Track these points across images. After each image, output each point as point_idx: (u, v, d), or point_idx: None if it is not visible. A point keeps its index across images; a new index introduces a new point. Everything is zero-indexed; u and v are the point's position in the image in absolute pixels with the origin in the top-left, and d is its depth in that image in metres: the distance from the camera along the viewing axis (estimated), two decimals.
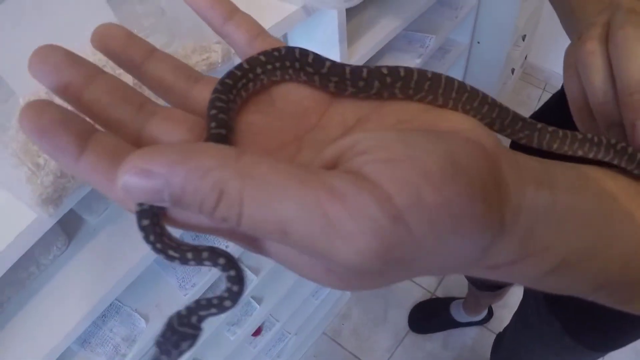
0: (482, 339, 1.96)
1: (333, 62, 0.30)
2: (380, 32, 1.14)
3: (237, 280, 0.28)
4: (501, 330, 1.47)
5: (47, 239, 0.75)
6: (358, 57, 1.07)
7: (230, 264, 0.27)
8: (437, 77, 0.29)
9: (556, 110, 0.74)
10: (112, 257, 0.80)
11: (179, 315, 0.28)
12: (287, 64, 0.30)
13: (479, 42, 2.03)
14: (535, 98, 2.95)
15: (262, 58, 0.30)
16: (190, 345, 0.29)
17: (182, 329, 0.28)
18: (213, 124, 0.27)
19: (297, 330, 1.71)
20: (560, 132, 0.33)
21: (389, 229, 0.21)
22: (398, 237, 0.21)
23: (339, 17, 0.90)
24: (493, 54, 2.05)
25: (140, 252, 0.79)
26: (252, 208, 0.21)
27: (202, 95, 0.30)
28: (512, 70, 2.58)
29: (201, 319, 0.29)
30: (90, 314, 0.76)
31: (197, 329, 0.29)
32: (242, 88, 0.30)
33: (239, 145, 0.29)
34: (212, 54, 0.68)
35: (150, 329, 0.97)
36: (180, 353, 0.28)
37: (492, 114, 0.31)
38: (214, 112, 0.27)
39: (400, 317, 2.02)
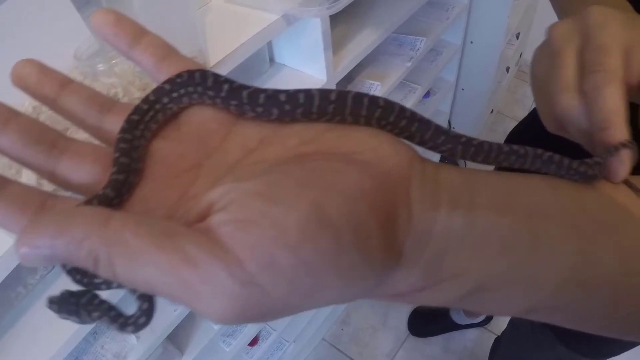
0: (482, 341, 1.94)
1: (232, 85, 0.29)
2: (366, 38, 1.12)
3: (148, 312, 0.27)
4: (500, 330, 1.45)
5: None
6: (345, 63, 1.06)
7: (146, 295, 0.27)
8: (342, 97, 0.28)
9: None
10: None
11: (89, 297, 0.28)
12: (191, 89, 0.30)
13: (472, 42, 2.02)
14: (531, 96, 2.92)
15: (167, 87, 0.30)
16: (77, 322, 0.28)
17: (82, 308, 0.27)
18: (114, 169, 0.27)
19: (296, 338, 1.70)
20: (486, 145, 0.31)
21: (241, 293, 0.21)
22: (252, 299, 0.22)
23: (323, 25, 0.89)
24: (487, 53, 2.03)
25: None
26: (123, 271, 0.22)
27: (114, 125, 0.30)
28: (507, 69, 2.57)
29: (98, 317, 0.28)
30: (80, 331, 0.75)
31: (88, 318, 0.28)
32: (150, 121, 0.30)
33: (145, 175, 0.29)
34: None
35: (142, 345, 0.96)
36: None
37: (411, 127, 0.30)
38: (116, 155, 0.28)
39: (400, 321, 2.00)
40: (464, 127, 2.42)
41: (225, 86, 0.29)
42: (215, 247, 0.22)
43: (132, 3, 0.67)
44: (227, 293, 0.21)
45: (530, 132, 0.75)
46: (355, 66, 1.13)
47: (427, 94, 1.84)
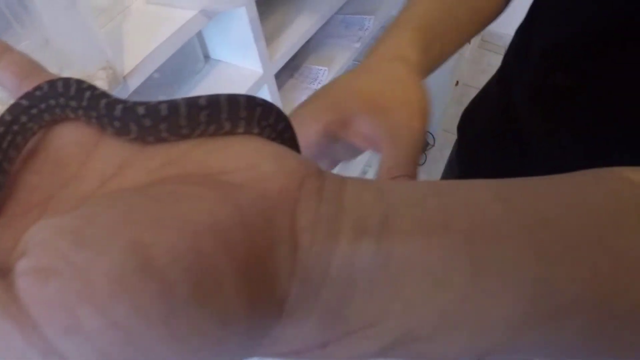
0: None
1: (93, 93, 0.24)
2: (303, 24, 1.08)
3: None
4: None
5: None
6: (282, 52, 1.01)
7: None
8: (214, 101, 0.23)
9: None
10: None
11: None
12: (52, 102, 0.25)
13: None
14: (496, 65, 2.85)
15: (25, 102, 0.25)
16: None
17: None
18: None
19: None
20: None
21: None
22: None
23: (249, 14, 0.84)
24: None
25: None
26: None
27: None
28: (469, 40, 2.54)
29: None
30: None
31: None
32: (9, 147, 0.24)
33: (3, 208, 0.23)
34: (97, 82, 0.63)
35: None
36: None
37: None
38: None
39: None
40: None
41: (87, 94, 0.24)
42: (10, 305, 0.17)
43: (41, 20, 0.63)
44: None
45: (485, 106, 0.73)
46: (300, 53, 1.09)
47: None
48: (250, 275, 0.19)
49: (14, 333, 0.16)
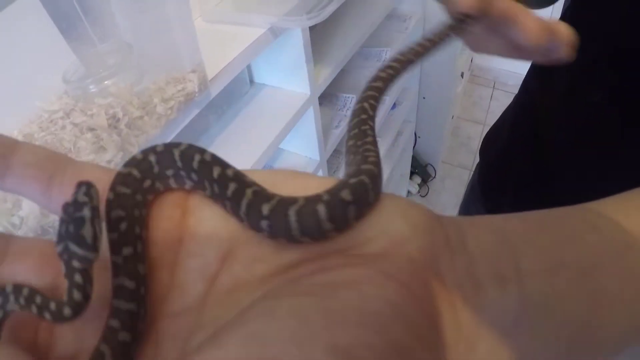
0: None
1: (225, 174, 0.22)
2: (340, 51, 1.13)
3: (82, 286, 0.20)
4: None
5: None
6: (325, 76, 1.06)
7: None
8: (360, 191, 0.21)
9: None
10: None
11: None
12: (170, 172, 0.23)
13: None
14: (486, 97, 3.01)
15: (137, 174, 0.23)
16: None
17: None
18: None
19: None
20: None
21: None
22: None
23: (304, 37, 0.88)
24: (443, 60, 2.08)
25: None
26: None
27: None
28: (462, 74, 2.63)
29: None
30: None
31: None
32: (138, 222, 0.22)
33: None
34: (187, 84, 0.65)
35: None
36: None
37: None
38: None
39: None
40: (429, 134, 2.46)
41: (216, 172, 0.22)
42: None
43: (115, 21, 0.66)
44: None
45: (502, 135, 0.76)
46: (332, 81, 1.13)
47: (393, 106, 1.87)
48: (432, 345, 0.19)
49: None
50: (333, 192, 0.20)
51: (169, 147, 0.23)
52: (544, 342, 0.22)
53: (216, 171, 0.22)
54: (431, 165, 2.56)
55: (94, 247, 0.20)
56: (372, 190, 0.21)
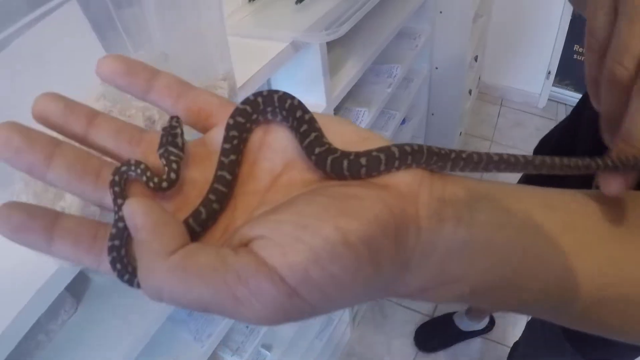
0: (488, 351, 1.99)
1: (308, 118, 0.32)
2: (354, 65, 1.18)
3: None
4: (503, 339, 1.49)
5: (54, 303, 0.73)
6: (340, 88, 1.11)
7: None
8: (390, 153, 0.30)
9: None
10: (123, 317, 0.78)
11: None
12: (269, 109, 0.34)
13: (437, 68, 2.11)
14: (494, 115, 3.05)
15: (249, 109, 0.33)
16: None
17: None
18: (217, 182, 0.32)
19: None
20: (475, 156, 0.33)
21: (286, 302, 0.25)
22: (295, 306, 0.26)
23: (322, 52, 0.93)
24: (452, 77, 2.13)
25: (152, 310, 0.77)
26: (175, 294, 0.26)
27: (147, 157, 0.32)
28: (470, 92, 2.67)
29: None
30: None
31: None
32: (241, 143, 0.33)
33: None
34: (218, 91, 0.69)
35: None
36: None
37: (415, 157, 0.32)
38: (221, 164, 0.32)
39: (404, 346, 2.01)
40: None
41: (297, 114, 0.33)
42: (261, 266, 0.25)
43: (148, 31, 0.70)
44: (274, 303, 0.25)
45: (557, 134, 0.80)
46: (347, 94, 1.18)
47: (403, 121, 1.91)
48: (396, 247, 0.28)
49: (266, 284, 0.25)
50: (359, 154, 0.30)
51: (270, 93, 0.33)
52: (479, 269, 0.31)
53: (298, 113, 0.32)
54: None
55: (183, 149, 0.32)
56: (383, 164, 0.30)
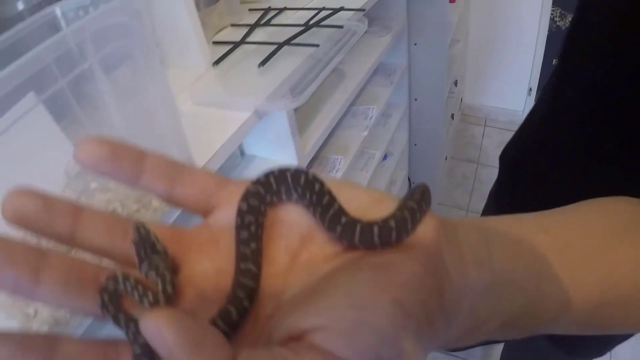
0: (491, 348, 2.02)
1: (321, 189, 0.30)
2: (326, 115, 1.18)
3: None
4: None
5: None
6: (312, 143, 1.10)
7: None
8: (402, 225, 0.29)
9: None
10: None
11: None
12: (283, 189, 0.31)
13: (416, 99, 2.12)
14: (479, 136, 3.07)
15: (261, 189, 0.31)
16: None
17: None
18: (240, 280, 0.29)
19: None
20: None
21: None
22: None
23: (288, 114, 0.93)
24: (432, 106, 2.13)
25: None
26: None
27: None
28: (452, 116, 2.69)
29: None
30: None
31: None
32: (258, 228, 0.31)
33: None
34: None
35: None
36: None
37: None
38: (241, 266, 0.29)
39: None
40: (422, 180, 2.49)
41: (316, 187, 0.30)
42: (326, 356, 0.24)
43: (111, 117, 0.70)
44: None
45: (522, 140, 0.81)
46: (321, 145, 1.18)
47: (384, 157, 1.91)
48: (440, 304, 0.28)
49: None
50: (385, 220, 0.28)
51: (282, 171, 0.31)
52: (505, 304, 0.33)
53: (317, 186, 0.30)
54: None
55: (167, 253, 0.29)
56: (410, 223, 0.28)
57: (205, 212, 0.32)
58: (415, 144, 2.30)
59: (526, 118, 0.81)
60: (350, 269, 0.28)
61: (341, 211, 0.29)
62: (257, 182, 0.31)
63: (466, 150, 2.96)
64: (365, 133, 1.45)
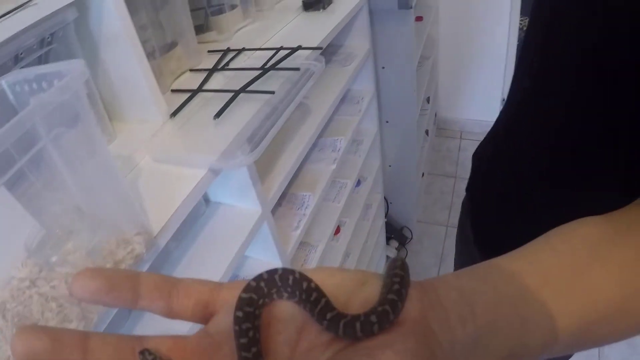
0: None
1: (310, 287, 0.33)
2: (290, 156, 1.18)
3: None
4: None
5: None
6: (275, 189, 1.10)
7: None
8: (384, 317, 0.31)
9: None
10: None
11: None
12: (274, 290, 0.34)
13: (387, 122, 2.13)
14: (455, 149, 3.08)
15: (255, 297, 0.33)
16: None
17: None
18: None
19: None
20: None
21: None
22: None
23: (248, 166, 0.93)
24: (404, 126, 2.14)
25: None
26: None
27: None
28: (427, 132, 2.70)
29: None
30: None
31: None
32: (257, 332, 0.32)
33: None
34: (135, 246, 0.69)
35: None
36: None
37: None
38: None
39: None
40: (399, 200, 2.50)
41: (312, 294, 0.32)
42: None
43: (71, 191, 0.70)
44: None
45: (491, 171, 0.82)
46: (286, 186, 1.18)
47: (358, 183, 1.90)
48: None
49: None
50: (367, 314, 0.31)
51: (271, 273, 0.33)
52: (493, 351, 0.35)
53: (304, 284, 0.32)
54: (407, 227, 2.59)
55: None
56: (392, 314, 0.31)
57: (204, 320, 0.34)
58: (389, 166, 2.31)
59: (497, 118, 0.82)
60: (349, 355, 0.30)
61: (327, 306, 0.32)
62: (248, 289, 0.33)
63: (443, 165, 2.98)
64: (334, 166, 1.44)
